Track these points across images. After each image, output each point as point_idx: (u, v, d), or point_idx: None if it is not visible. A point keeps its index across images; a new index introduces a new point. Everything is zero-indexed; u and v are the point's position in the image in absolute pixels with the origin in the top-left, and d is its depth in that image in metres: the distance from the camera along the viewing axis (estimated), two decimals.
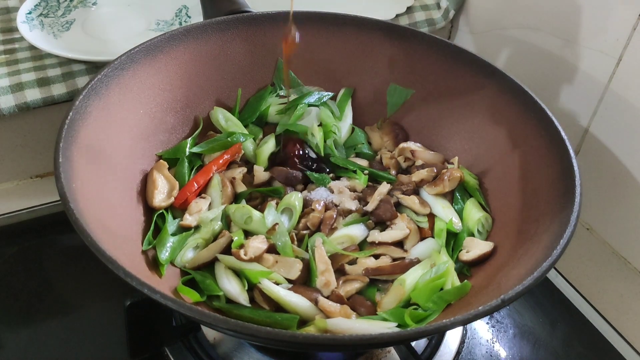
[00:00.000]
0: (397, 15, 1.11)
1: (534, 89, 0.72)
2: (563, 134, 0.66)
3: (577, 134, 0.91)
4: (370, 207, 0.72)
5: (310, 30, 0.84)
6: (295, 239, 0.68)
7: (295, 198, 0.71)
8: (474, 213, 0.71)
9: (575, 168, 0.62)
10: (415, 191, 0.75)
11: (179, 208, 0.70)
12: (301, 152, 0.78)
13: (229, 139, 0.77)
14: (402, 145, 0.80)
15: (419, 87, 0.83)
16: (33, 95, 0.86)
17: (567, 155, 0.64)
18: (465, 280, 0.62)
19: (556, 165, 0.64)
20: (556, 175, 0.64)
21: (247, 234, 0.68)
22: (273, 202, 0.71)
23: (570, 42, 0.90)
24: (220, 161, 0.75)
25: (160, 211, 0.69)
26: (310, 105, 0.83)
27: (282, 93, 0.84)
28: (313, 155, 0.79)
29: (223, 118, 0.80)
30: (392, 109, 0.85)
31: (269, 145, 0.79)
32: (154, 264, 0.64)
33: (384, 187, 0.73)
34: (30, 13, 1.00)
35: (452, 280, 0.63)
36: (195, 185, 0.72)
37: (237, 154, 0.77)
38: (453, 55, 0.79)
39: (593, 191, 0.89)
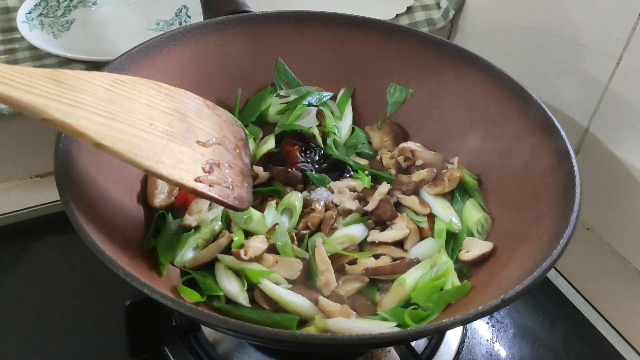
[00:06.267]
0: (397, 15, 1.12)
1: (533, 89, 0.72)
2: (563, 134, 0.66)
3: (577, 134, 0.91)
4: (370, 207, 0.72)
5: (310, 30, 0.84)
6: (295, 238, 0.68)
7: (295, 198, 0.71)
8: (473, 213, 0.71)
9: (575, 168, 0.62)
10: (415, 191, 0.75)
11: (179, 208, 0.70)
12: (303, 152, 0.78)
13: None
14: (402, 145, 0.80)
15: (419, 87, 0.83)
16: None
17: (567, 155, 0.64)
18: (465, 280, 0.62)
19: (556, 165, 0.64)
20: (556, 175, 0.64)
21: (247, 234, 0.68)
22: (273, 202, 0.71)
23: (570, 42, 0.90)
24: None
25: (161, 211, 0.69)
26: (309, 105, 0.83)
27: (282, 93, 0.84)
28: (315, 156, 0.79)
29: None
30: (392, 108, 0.85)
31: (269, 145, 0.79)
32: (154, 264, 0.64)
33: (384, 187, 0.73)
34: (30, 13, 1.00)
35: (452, 281, 0.63)
36: None
37: None
38: (453, 54, 0.79)
39: (593, 191, 0.89)
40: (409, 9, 1.13)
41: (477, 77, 0.77)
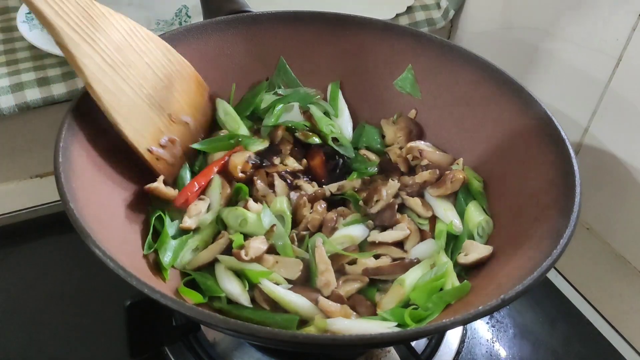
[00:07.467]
0: (397, 15, 1.12)
1: (533, 89, 0.72)
2: (563, 134, 0.66)
3: (577, 134, 0.91)
4: (374, 210, 0.71)
5: (310, 30, 0.84)
6: (295, 239, 0.68)
7: (280, 204, 0.70)
8: (475, 216, 0.70)
9: (575, 168, 0.62)
10: (420, 193, 0.74)
11: (179, 208, 0.70)
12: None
13: (231, 140, 0.76)
14: (411, 144, 0.78)
15: (420, 87, 0.83)
16: (33, 95, 0.86)
17: (567, 155, 0.64)
18: (465, 281, 0.62)
19: (556, 165, 0.64)
20: (556, 175, 0.64)
21: (247, 235, 0.68)
22: (266, 204, 0.71)
23: (570, 42, 0.90)
24: (222, 162, 0.74)
25: (158, 213, 0.68)
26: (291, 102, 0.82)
27: (280, 92, 0.84)
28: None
29: (223, 111, 0.79)
30: (416, 91, 0.83)
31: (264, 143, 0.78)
32: (155, 265, 0.64)
33: (392, 188, 0.73)
34: (30, 13, 1.00)
35: (452, 281, 0.63)
36: (196, 185, 0.71)
37: None
38: (452, 54, 0.79)
39: (593, 191, 0.89)
40: (409, 9, 1.13)
41: (477, 77, 0.77)
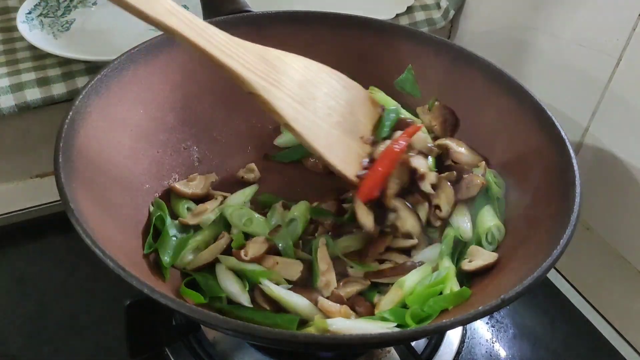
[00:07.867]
0: (397, 15, 1.11)
1: (533, 89, 0.72)
2: (563, 134, 0.66)
3: (577, 134, 0.91)
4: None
5: (310, 30, 0.84)
6: (300, 244, 0.68)
7: (299, 210, 0.69)
8: (485, 221, 0.67)
9: (575, 168, 0.62)
10: None
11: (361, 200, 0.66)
12: None
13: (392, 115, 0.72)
14: (439, 142, 0.75)
15: (421, 87, 0.83)
16: (33, 95, 0.86)
17: (567, 155, 0.63)
18: (464, 287, 0.61)
19: (556, 166, 0.64)
20: (556, 175, 0.64)
21: (248, 236, 0.68)
22: (278, 205, 0.70)
23: (570, 42, 0.90)
24: (402, 142, 0.67)
25: (159, 213, 0.68)
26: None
27: None
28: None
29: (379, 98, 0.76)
30: (415, 91, 0.82)
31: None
32: (155, 266, 0.64)
33: (422, 211, 0.69)
34: (30, 13, 1.00)
35: (452, 286, 0.61)
36: (380, 169, 0.66)
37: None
38: (452, 54, 0.79)
39: (593, 191, 0.89)
40: (409, 9, 1.13)
41: (477, 77, 0.76)
